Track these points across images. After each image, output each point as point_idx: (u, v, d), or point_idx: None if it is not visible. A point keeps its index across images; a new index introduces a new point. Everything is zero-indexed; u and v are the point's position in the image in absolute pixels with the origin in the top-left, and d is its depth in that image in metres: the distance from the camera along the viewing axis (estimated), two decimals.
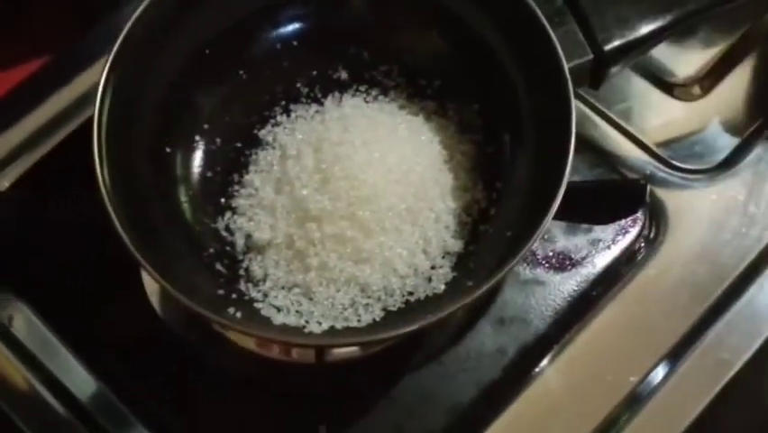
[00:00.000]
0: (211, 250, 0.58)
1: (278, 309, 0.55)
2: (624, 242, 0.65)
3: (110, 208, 0.52)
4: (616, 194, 0.63)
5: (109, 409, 0.59)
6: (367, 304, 0.56)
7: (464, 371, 0.61)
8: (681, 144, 0.69)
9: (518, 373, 0.60)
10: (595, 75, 0.60)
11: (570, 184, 0.53)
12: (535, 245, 0.58)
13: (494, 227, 0.58)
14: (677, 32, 0.63)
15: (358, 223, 0.56)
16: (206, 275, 0.57)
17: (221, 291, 0.56)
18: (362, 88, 0.63)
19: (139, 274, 0.61)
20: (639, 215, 0.65)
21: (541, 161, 0.57)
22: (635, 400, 0.59)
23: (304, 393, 0.61)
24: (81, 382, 0.59)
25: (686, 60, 0.72)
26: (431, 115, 0.62)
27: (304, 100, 0.63)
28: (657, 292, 0.63)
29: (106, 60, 0.55)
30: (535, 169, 0.57)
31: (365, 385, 0.61)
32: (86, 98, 0.66)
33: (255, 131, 0.62)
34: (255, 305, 0.56)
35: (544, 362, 0.61)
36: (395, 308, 0.56)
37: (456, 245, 0.58)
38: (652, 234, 0.65)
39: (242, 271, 0.58)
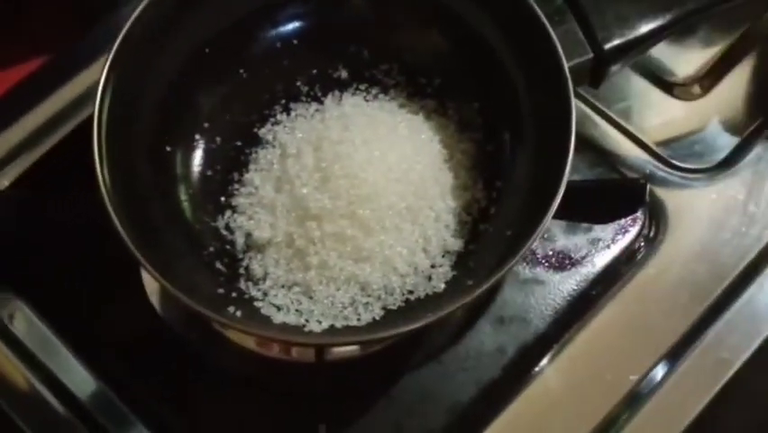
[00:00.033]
0: (211, 249, 0.58)
1: (278, 308, 0.55)
2: (623, 241, 0.65)
3: (110, 207, 0.52)
4: (615, 193, 0.63)
5: (109, 408, 0.59)
6: (367, 303, 0.56)
7: (464, 370, 0.61)
8: (681, 144, 0.69)
9: (518, 372, 0.60)
10: (595, 74, 0.60)
11: (569, 183, 0.53)
12: (535, 244, 0.58)
13: (494, 226, 0.58)
14: (677, 32, 0.63)
15: (358, 221, 0.56)
16: (206, 274, 0.57)
17: (221, 290, 0.56)
18: (362, 87, 0.63)
19: (139, 273, 0.61)
20: (639, 214, 0.65)
21: (541, 160, 0.57)
22: (634, 400, 0.59)
23: (304, 392, 0.61)
24: (81, 381, 0.59)
25: (686, 60, 0.72)
26: (431, 114, 0.62)
27: (304, 99, 0.63)
28: (657, 291, 0.63)
29: (106, 60, 0.55)
30: (535, 167, 0.57)
31: (365, 384, 0.61)
32: (86, 98, 0.66)
33: (255, 129, 0.62)
34: (255, 304, 0.56)
35: (544, 361, 0.61)
36: (395, 307, 0.56)
37: (456, 244, 0.58)
38: (651, 234, 0.65)
39: (242, 270, 0.58)
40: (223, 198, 0.60)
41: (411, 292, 0.56)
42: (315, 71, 0.64)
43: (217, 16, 0.62)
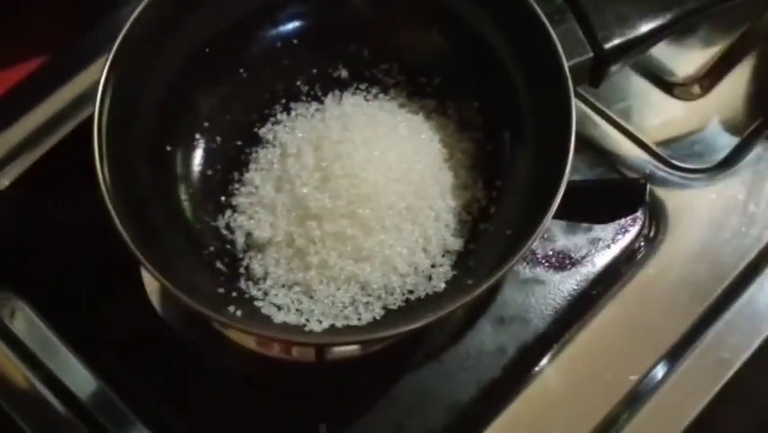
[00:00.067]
0: (211, 248, 0.58)
1: (279, 308, 0.55)
2: (624, 241, 0.65)
3: (110, 207, 0.52)
4: (615, 193, 0.63)
5: (109, 407, 0.59)
6: (367, 302, 0.56)
7: (464, 369, 0.61)
8: (681, 144, 0.69)
9: (518, 371, 0.60)
10: (595, 73, 0.60)
11: (570, 183, 0.53)
12: (535, 244, 0.58)
13: (494, 226, 0.58)
14: (677, 31, 0.63)
15: (358, 221, 0.56)
16: (207, 273, 0.57)
17: (221, 290, 0.56)
18: (362, 87, 0.63)
19: (139, 273, 0.61)
20: (639, 214, 0.65)
21: (541, 160, 0.57)
22: (634, 400, 0.59)
23: (304, 392, 0.61)
24: (81, 380, 0.59)
25: (686, 60, 0.72)
26: (431, 113, 0.62)
27: (304, 98, 0.63)
28: (657, 291, 0.63)
29: (106, 60, 0.55)
30: (535, 167, 0.57)
31: (365, 384, 0.61)
32: (86, 98, 0.66)
33: (255, 129, 0.62)
34: (255, 303, 0.56)
35: (544, 361, 0.61)
36: (395, 307, 0.56)
37: (456, 244, 0.58)
38: (651, 234, 0.65)
39: (242, 270, 0.58)
40: (223, 198, 0.60)
41: (411, 292, 0.56)
42: (315, 71, 0.64)
43: (217, 16, 0.62)
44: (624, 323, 0.62)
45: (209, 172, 0.61)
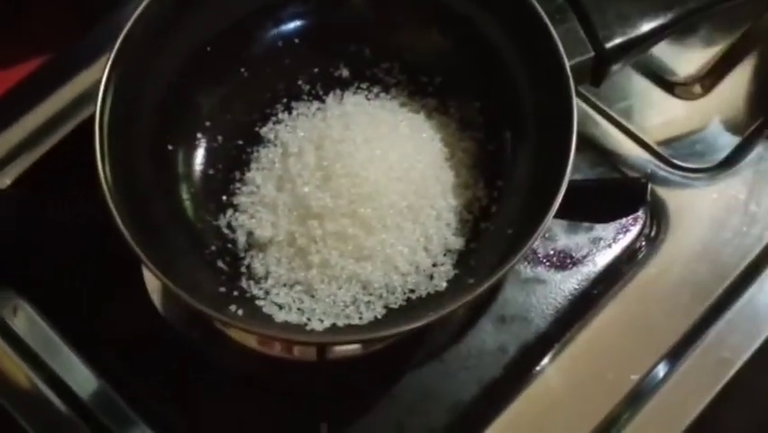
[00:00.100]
0: (213, 247, 0.58)
1: (280, 307, 0.55)
2: (625, 240, 0.65)
3: (112, 206, 0.52)
4: (617, 192, 0.63)
5: (111, 407, 0.59)
6: (368, 301, 0.56)
7: (465, 369, 0.61)
8: (682, 143, 0.69)
9: (519, 371, 0.60)
10: (596, 72, 0.60)
11: (571, 182, 0.53)
12: (536, 244, 0.58)
13: (495, 225, 0.58)
14: (678, 31, 0.63)
15: (359, 220, 0.56)
16: (208, 273, 0.57)
17: (222, 289, 0.56)
18: (364, 86, 0.63)
19: (140, 272, 0.61)
20: (640, 213, 0.65)
21: (542, 159, 0.57)
22: (635, 399, 0.59)
23: (305, 391, 0.61)
24: (83, 380, 0.59)
25: (687, 59, 0.72)
26: (432, 113, 0.62)
27: (305, 98, 0.64)
28: (658, 291, 0.63)
29: (108, 58, 0.55)
30: (537, 166, 0.57)
31: (366, 383, 0.61)
32: (87, 97, 0.66)
33: (257, 128, 0.62)
34: (257, 302, 0.56)
35: (545, 360, 0.61)
36: (396, 306, 0.56)
37: (457, 243, 0.58)
38: (653, 233, 0.65)
39: (243, 269, 0.58)
40: (224, 197, 0.60)
41: (412, 291, 0.56)
42: (316, 70, 0.64)
43: (218, 16, 0.62)
44: (625, 322, 0.62)
45: (211, 171, 0.61)
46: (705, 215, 0.65)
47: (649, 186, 0.60)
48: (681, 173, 0.67)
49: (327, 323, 0.54)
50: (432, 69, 0.64)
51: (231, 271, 0.58)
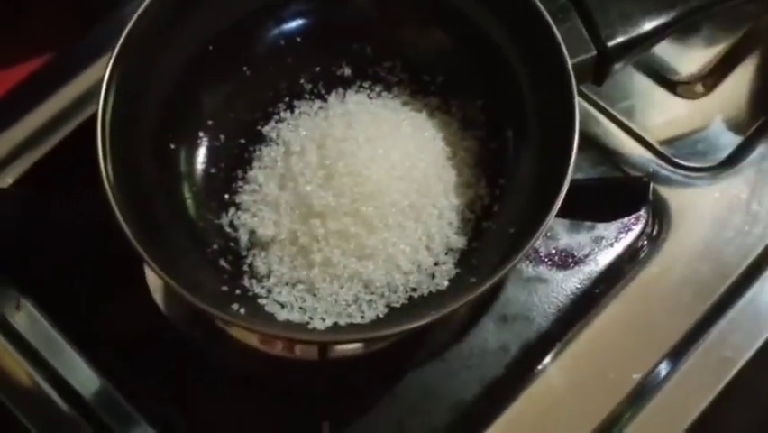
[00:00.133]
0: (215, 246, 0.58)
1: (282, 306, 0.55)
2: (627, 239, 0.65)
3: (114, 205, 0.52)
4: (618, 192, 0.63)
5: (112, 406, 0.59)
6: (370, 300, 0.56)
7: (467, 368, 0.61)
8: (684, 142, 0.69)
9: (521, 370, 0.60)
10: (598, 71, 0.60)
11: (573, 182, 0.53)
12: (538, 243, 0.58)
13: (497, 224, 0.58)
14: (680, 30, 0.63)
15: (361, 219, 0.56)
16: (210, 271, 0.57)
17: (224, 288, 0.56)
18: (366, 84, 0.64)
19: (142, 271, 0.61)
20: (642, 212, 0.65)
21: (544, 158, 0.57)
22: (637, 398, 0.59)
23: (306, 390, 0.61)
24: (84, 378, 0.59)
25: (689, 58, 0.72)
26: (434, 111, 0.62)
27: (307, 96, 0.64)
28: (660, 290, 0.63)
29: (110, 57, 0.55)
30: (539, 165, 0.57)
31: (368, 382, 0.61)
32: (88, 97, 0.66)
33: (259, 127, 0.62)
34: (259, 301, 0.56)
35: (547, 359, 0.61)
36: (398, 305, 0.56)
37: (459, 242, 0.58)
38: (654, 232, 0.65)
39: (245, 268, 0.58)
40: (226, 196, 0.60)
41: (414, 290, 0.56)
42: (318, 69, 0.64)
43: (220, 14, 0.62)
44: (627, 321, 0.61)
45: (213, 170, 0.61)
46: (707, 214, 0.65)
47: (651, 185, 0.60)
48: (682, 172, 0.67)
49: (329, 322, 0.54)
50: (434, 67, 0.64)
51: (233, 269, 0.58)
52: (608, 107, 0.69)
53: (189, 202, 0.60)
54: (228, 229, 0.59)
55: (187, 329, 0.61)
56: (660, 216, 0.65)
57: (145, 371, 0.60)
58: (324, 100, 0.63)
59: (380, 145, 0.57)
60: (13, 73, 0.69)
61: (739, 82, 0.71)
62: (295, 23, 0.64)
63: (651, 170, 0.67)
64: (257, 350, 0.60)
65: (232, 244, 0.59)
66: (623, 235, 0.65)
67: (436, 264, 0.57)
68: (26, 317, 0.61)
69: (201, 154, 0.62)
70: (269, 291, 0.56)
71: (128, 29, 0.56)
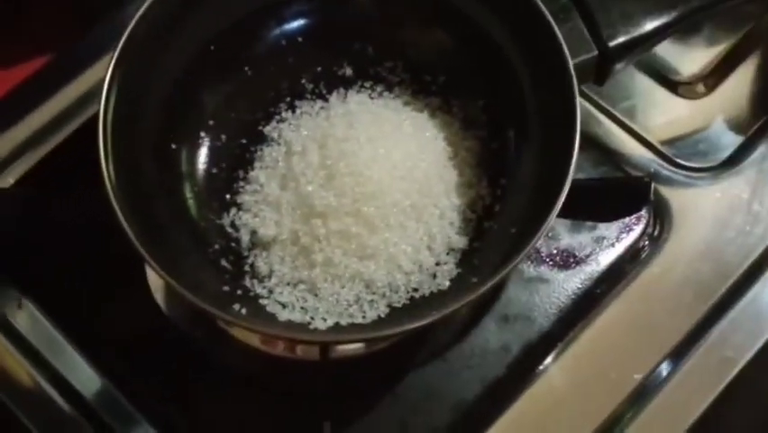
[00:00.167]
0: (216, 246, 0.58)
1: (284, 306, 0.55)
2: (628, 240, 0.65)
3: (115, 205, 0.52)
4: (620, 192, 0.63)
5: (114, 406, 0.59)
6: (372, 300, 0.56)
7: (469, 368, 0.61)
8: (686, 142, 0.69)
9: (522, 370, 0.60)
10: (600, 71, 0.60)
11: (574, 182, 0.53)
12: (540, 243, 0.59)
13: (498, 224, 0.58)
14: (681, 30, 0.63)
15: (363, 219, 0.56)
16: (211, 271, 0.57)
17: (226, 288, 0.56)
18: (367, 84, 0.64)
19: (143, 271, 0.61)
20: (643, 212, 0.65)
21: (546, 158, 0.57)
22: (639, 398, 0.59)
23: (307, 390, 0.61)
24: (86, 379, 0.59)
25: (690, 58, 0.72)
26: (435, 111, 0.62)
27: (309, 96, 0.64)
28: (661, 290, 0.63)
29: (112, 57, 0.55)
30: (540, 165, 0.57)
31: (369, 382, 0.61)
32: (90, 96, 0.66)
33: (260, 127, 0.62)
34: (260, 301, 0.56)
35: (549, 359, 0.61)
36: (399, 305, 0.56)
37: (461, 242, 0.58)
38: (656, 232, 0.65)
39: (247, 268, 0.58)
40: (228, 196, 0.60)
41: (416, 290, 0.56)
42: (319, 69, 0.64)
43: (222, 14, 0.62)
44: (628, 322, 0.61)
45: (214, 170, 0.61)
46: (708, 214, 0.65)
47: (652, 185, 0.60)
48: (684, 172, 0.67)
49: (330, 322, 0.54)
50: (435, 67, 0.64)
51: (234, 269, 0.58)
52: (609, 107, 0.69)
53: (191, 202, 0.60)
54: (229, 229, 0.59)
55: (188, 329, 0.61)
56: (661, 216, 0.65)
57: (146, 371, 0.60)
58: (326, 100, 0.63)
59: (382, 145, 0.57)
60: (14, 73, 0.69)
61: (740, 82, 0.71)
62: (296, 23, 0.64)
63: (652, 170, 0.67)
64: (258, 350, 0.60)
65: (233, 245, 0.59)
66: (624, 235, 0.65)
67: (438, 264, 0.57)
68: (27, 318, 0.61)
69: (202, 154, 0.62)
70: (271, 291, 0.56)
71: (129, 29, 0.56)
